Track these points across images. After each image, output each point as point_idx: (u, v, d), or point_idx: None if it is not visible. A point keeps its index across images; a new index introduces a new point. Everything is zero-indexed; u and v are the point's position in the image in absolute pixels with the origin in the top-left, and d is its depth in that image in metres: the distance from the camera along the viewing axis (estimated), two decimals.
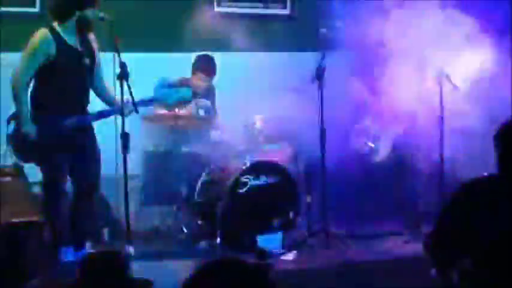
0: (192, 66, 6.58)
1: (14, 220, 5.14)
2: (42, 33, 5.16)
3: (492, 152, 3.29)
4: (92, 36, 5.35)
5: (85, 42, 5.30)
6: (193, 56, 6.63)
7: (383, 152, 6.31)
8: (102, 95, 5.48)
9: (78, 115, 5.29)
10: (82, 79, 5.32)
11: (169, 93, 5.52)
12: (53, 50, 5.13)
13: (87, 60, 5.30)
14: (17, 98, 5.14)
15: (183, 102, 6.00)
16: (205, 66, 6.56)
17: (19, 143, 5.20)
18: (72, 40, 5.23)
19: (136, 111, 5.20)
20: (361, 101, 6.42)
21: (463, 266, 3.25)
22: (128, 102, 5.13)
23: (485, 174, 3.31)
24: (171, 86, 5.68)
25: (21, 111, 5.14)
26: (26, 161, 5.34)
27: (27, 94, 5.18)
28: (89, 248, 5.38)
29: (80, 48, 5.27)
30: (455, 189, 3.34)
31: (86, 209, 5.46)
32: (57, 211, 5.29)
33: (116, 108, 5.27)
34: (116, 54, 5.08)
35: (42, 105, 5.22)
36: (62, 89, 5.21)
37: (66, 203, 5.32)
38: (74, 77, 5.26)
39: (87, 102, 5.39)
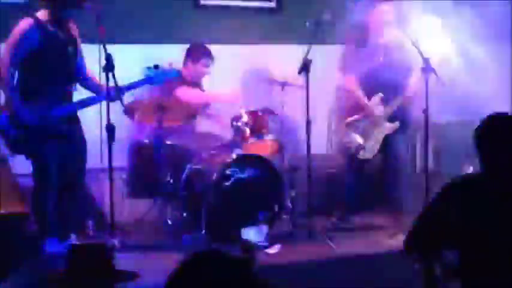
0: (190, 55, 6.57)
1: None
2: (26, 22, 5.17)
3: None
4: (71, 25, 5.36)
5: (67, 31, 5.31)
6: (177, 47, 6.64)
7: (371, 150, 6.30)
8: (86, 83, 5.49)
9: (64, 104, 5.29)
10: (67, 67, 5.33)
11: (157, 74, 5.53)
12: (37, 38, 5.14)
13: (70, 49, 5.32)
14: (6, 87, 5.13)
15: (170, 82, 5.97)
16: (207, 52, 6.56)
17: (10, 135, 5.19)
18: (55, 29, 5.23)
19: (122, 104, 5.18)
20: (351, 96, 6.41)
21: (446, 262, 3.27)
22: (112, 90, 5.12)
23: (470, 172, 3.33)
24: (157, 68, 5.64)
25: (13, 101, 5.13)
26: (18, 153, 5.32)
27: (14, 83, 5.18)
28: (73, 239, 5.37)
29: (63, 37, 5.27)
30: (441, 186, 3.35)
31: (72, 200, 5.47)
32: (45, 202, 5.29)
33: (99, 96, 5.30)
34: (102, 46, 5.08)
35: (28, 94, 5.21)
36: (47, 78, 5.21)
37: (54, 194, 5.32)
38: (59, 65, 5.27)
39: (73, 90, 5.40)
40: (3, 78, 5.12)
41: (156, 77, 5.53)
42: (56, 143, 5.27)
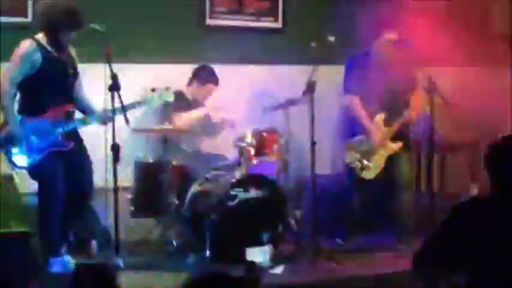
0: (197, 76, 6.64)
1: (3, 231, 5.13)
2: (28, 43, 5.22)
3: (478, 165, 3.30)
4: (69, 47, 5.40)
5: (66, 52, 5.35)
6: (182, 67, 6.69)
7: (374, 170, 6.30)
8: (82, 105, 5.52)
9: (65, 122, 5.32)
10: (68, 88, 5.37)
11: (152, 98, 5.57)
12: (39, 59, 5.18)
13: (71, 70, 5.36)
14: (5, 106, 5.15)
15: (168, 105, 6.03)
16: (215, 78, 6.63)
17: (13, 152, 5.22)
18: (55, 50, 5.27)
19: (127, 121, 5.18)
20: (354, 116, 6.42)
21: (452, 282, 3.26)
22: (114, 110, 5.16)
23: (475, 191, 3.32)
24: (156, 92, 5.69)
25: (10, 116, 5.16)
26: (22, 168, 5.34)
27: (13, 103, 5.20)
28: (77, 259, 5.36)
29: (63, 58, 5.31)
30: (451, 208, 3.33)
31: (77, 219, 5.48)
32: (50, 220, 5.28)
33: (98, 116, 5.34)
34: (108, 66, 5.11)
35: (29, 115, 5.23)
36: (49, 99, 5.23)
37: (60, 213, 5.32)
38: (60, 86, 5.31)
39: (73, 110, 5.43)
40: (5, 98, 5.14)
41: (152, 100, 5.57)
42: (59, 160, 5.29)
